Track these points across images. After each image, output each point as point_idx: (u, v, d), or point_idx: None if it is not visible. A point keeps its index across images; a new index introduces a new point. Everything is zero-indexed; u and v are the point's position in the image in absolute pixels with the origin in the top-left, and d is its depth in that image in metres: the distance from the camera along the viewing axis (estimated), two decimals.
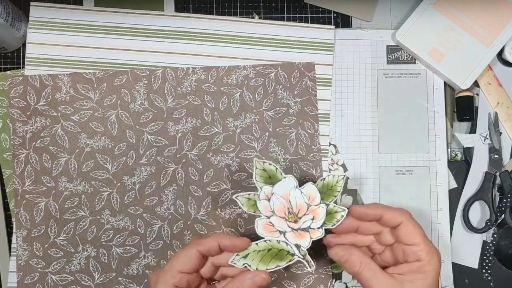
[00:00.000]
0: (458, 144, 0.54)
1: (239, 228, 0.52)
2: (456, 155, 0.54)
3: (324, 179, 0.45)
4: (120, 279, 0.51)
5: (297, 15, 0.56)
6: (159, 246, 0.51)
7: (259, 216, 0.43)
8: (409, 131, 0.54)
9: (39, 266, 0.50)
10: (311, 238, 0.43)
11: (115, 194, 0.51)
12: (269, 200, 0.44)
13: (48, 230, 0.50)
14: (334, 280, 0.52)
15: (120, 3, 0.53)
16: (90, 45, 0.53)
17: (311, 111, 0.53)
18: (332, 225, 0.43)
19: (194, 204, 0.51)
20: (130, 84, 0.52)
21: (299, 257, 0.43)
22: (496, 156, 0.53)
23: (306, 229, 0.43)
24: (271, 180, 0.45)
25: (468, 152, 0.54)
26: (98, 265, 0.51)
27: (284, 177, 0.44)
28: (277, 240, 0.43)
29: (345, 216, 0.43)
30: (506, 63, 0.54)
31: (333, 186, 0.45)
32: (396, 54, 0.55)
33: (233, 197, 0.44)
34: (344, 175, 0.46)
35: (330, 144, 0.53)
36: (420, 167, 0.53)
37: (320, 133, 0.53)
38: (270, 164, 0.45)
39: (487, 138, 0.53)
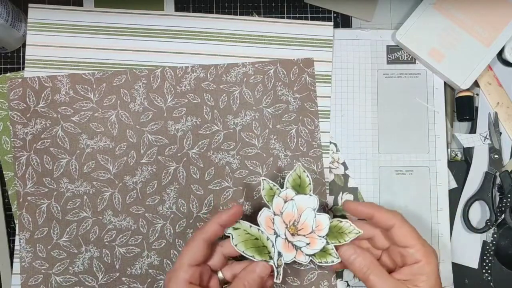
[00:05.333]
0: (458, 144, 0.54)
1: None
2: (456, 155, 0.54)
3: (341, 222, 0.45)
4: (123, 279, 0.51)
5: (297, 15, 0.56)
6: (162, 245, 0.51)
7: (268, 208, 0.45)
8: (409, 131, 0.54)
9: (42, 267, 0.50)
10: (295, 257, 0.44)
11: (117, 194, 0.51)
12: (285, 201, 0.45)
13: (51, 232, 0.50)
14: (336, 279, 0.52)
15: (120, 3, 0.53)
16: (89, 46, 0.53)
17: (311, 107, 0.53)
18: (319, 262, 0.44)
19: (196, 203, 0.52)
20: (129, 84, 0.52)
21: (274, 264, 0.44)
22: (496, 156, 0.53)
23: (296, 248, 0.44)
24: (299, 188, 0.46)
25: (468, 152, 0.54)
26: (101, 266, 0.51)
27: (310, 195, 0.45)
28: (267, 237, 0.44)
29: (334, 264, 0.44)
30: (506, 63, 0.54)
31: (344, 232, 0.44)
32: (396, 54, 0.54)
33: (261, 178, 0.45)
34: (359, 232, 0.44)
35: (330, 142, 0.53)
36: (420, 167, 0.53)
37: (320, 130, 0.53)
38: (307, 176, 0.46)
39: (487, 138, 0.53)
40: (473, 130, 0.54)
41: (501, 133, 0.54)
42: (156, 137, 0.52)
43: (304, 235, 0.44)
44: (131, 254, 0.51)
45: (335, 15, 0.56)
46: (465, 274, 0.53)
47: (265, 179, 0.45)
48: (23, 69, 0.53)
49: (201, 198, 0.52)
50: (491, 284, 0.52)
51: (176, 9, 0.55)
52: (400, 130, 0.54)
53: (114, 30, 0.53)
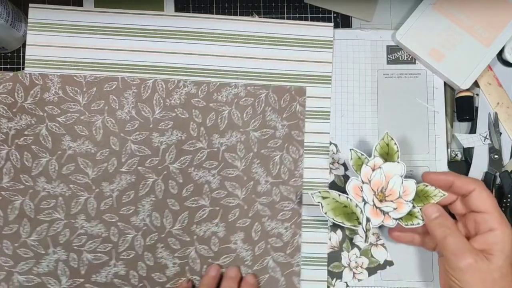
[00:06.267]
0: (458, 144, 0.54)
1: (213, 247, 0.51)
2: (456, 155, 0.54)
3: (427, 186, 0.47)
4: (87, 285, 0.50)
5: (297, 15, 0.56)
6: (131, 256, 0.51)
7: (356, 177, 0.47)
8: (409, 131, 0.53)
9: (6, 264, 0.50)
10: (383, 221, 0.46)
11: (92, 199, 0.51)
12: (373, 170, 0.47)
13: (20, 229, 0.50)
14: (335, 280, 0.51)
15: (120, 3, 0.54)
16: (90, 46, 0.53)
17: (297, 136, 0.53)
18: (405, 225, 0.46)
19: (170, 218, 0.51)
20: (119, 91, 0.52)
21: (363, 228, 0.47)
22: (496, 156, 0.52)
23: (384, 212, 0.46)
24: (386, 156, 0.48)
25: (468, 152, 0.53)
26: (66, 269, 0.50)
27: (398, 162, 0.47)
28: (356, 204, 0.47)
29: (420, 225, 0.46)
30: (506, 63, 0.54)
31: (429, 196, 0.46)
32: (396, 54, 0.54)
33: (350, 148, 0.48)
34: (444, 195, 0.46)
35: (331, 143, 0.53)
36: (420, 167, 0.53)
37: (320, 131, 0.53)
38: (395, 144, 0.48)
39: (487, 138, 0.53)
40: (473, 130, 0.54)
41: (501, 133, 0.53)
42: (139, 147, 0.52)
43: (391, 201, 0.46)
44: (98, 261, 0.50)
45: (335, 15, 0.56)
46: None
47: (353, 149, 0.48)
48: (23, 69, 0.53)
49: (176, 214, 0.51)
50: None
51: (176, 10, 0.55)
52: (400, 130, 0.53)
53: (115, 30, 0.53)
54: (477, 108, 0.54)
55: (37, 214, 0.50)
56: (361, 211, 0.47)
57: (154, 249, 0.51)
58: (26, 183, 0.51)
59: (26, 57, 0.52)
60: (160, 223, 0.51)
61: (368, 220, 0.46)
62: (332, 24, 0.54)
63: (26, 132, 0.51)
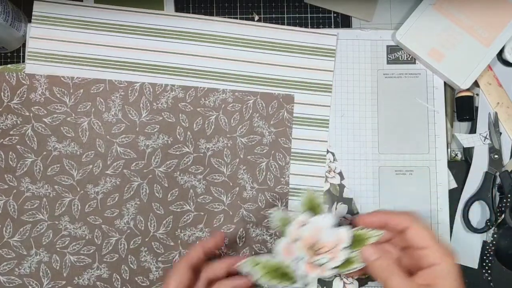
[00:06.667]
0: (458, 144, 0.54)
1: None
2: (456, 155, 0.54)
3: (362, 229, 0.44)
4: None
5: (297, 15, 0.56)
6: (114, 259, 0.50)
7: (284, 237, 0.45)
8: (409, 131, 0.53)
9: None
10: (319, 274, 0.44)
11: (77, 201, 0.51)
12: (301, 226, 0.44)
13: (3, 230, 0.50)
14: None
15: (120, 1, 0.53)
16: (91, 41, 0.53)
17: (284, 143, 0.52)
18: (341, 272, 0.44)
19: (155, 222, 0.51)
20: (106, 94, 0.52)
21: (300, 285, 0.44)
22: (496, 156, 0.53)
23: (319, 264, 0.44)
24: (313, 210, 0.45)
25: (468, 152, 0.54)
26: (48, 271, 0.50)
27: (325, 215, 0.45)
28: (288, 263, 0.44)
29: (357, 269, 0.44)
30: (506, 63, 0.54)
31: (365, 238, 0.44)
32: (396, 54, 0.54)
33: (270, 211, 0.47)
34: (379, 235, 0.44)
35: (328, 151, 0.53)
36: (420, 167, 0.53)
37: (318, 139, 0.53)
38: (318, 197, 0.46)
39: (487, 138, 0.53)
40: (473, 130, 0.54)
41: (501, 133, 0.53)
42: (125, 150, 0.51)
43: (325, 252, 0.44)
44: (81, 264, 0.50)
45: (335, 15, 0.56)
46: (465, 274, 0.52)
47: (274, 211, 0.46)
48: (23, 63, 0.52)
49: (160, 218, 0.51)
50: (491, 284, 0.51)
51: (176, 9, 0.55)
52: (400, 130, 0.53)
53: (117, 27, 0.53)
54: (477, 108, 0.54)
55: (20, 215, 0.50)
56: (295, 269, 0.44)
57: (138, 253, 0.51)
58: (10, 183, 0.50)
59: (28, 49, 0.52)
60: (144, 226, 0.51)
61: (304, 276, 0.44)
62: (336, 32, 0.54)
63: (11, 132, 0.51)
